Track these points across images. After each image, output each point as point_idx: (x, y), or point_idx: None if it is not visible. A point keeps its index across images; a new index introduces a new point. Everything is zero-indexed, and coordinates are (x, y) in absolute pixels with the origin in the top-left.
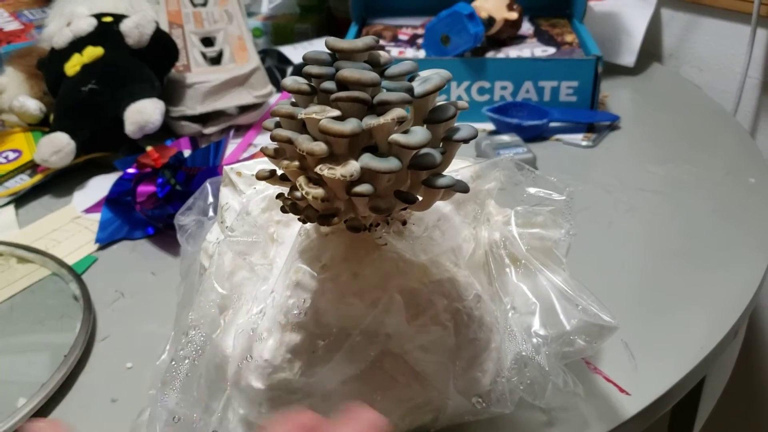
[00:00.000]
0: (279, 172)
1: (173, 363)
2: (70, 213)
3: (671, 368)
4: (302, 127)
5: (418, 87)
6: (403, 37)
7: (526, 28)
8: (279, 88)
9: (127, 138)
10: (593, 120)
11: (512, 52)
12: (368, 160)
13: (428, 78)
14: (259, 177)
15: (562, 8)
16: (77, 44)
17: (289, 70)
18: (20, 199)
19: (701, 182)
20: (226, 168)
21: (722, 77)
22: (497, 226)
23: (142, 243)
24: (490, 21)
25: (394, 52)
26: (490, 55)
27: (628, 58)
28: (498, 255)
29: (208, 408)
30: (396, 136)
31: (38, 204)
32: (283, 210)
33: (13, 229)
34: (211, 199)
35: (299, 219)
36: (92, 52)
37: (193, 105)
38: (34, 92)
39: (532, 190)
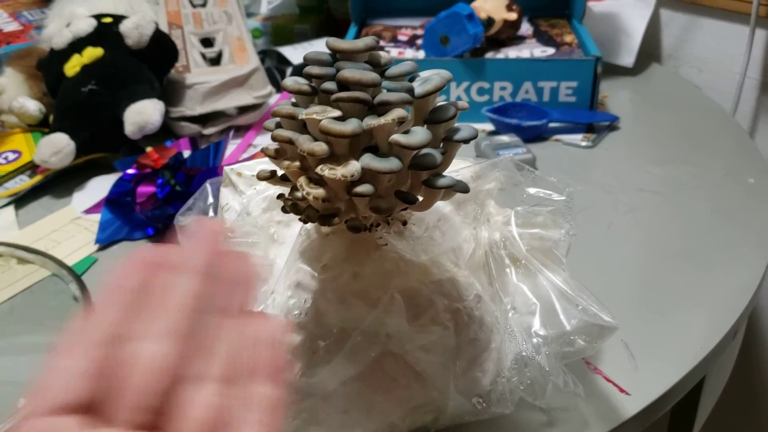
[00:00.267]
0: (279, 172)
1: None
2: (70, 214)
3: (671, 368)
4: (303, 127)
5: (419, 87)
6: (402, 37)
7: (526, 28)
8: (278, 88)
9: (126, 139)
10: (592, 120)
11: (511, 52)
12: (369, 160)
13: (428, 78)
14: (260, 177)
15: (561, 9)
16: (77, 45)
17: (289, 70)
18: (20, 200)
19: (700, 182)
20: (226, 168)
21: (721, 77)
22: (497, 227)
23: (142, 244)
24: (489, 21)
25: (394, 52)
26: (489, 55)
27: (628, 59)
28: (498, 255)
29: None
30: (396, 137)
31: (38, 205)
32: (284, 210)
33: (13, 229)
34: (211, 200)
35: (300, 219)
36: (92, 53)
37: (192, 106)
38: (34, 93)
39: (531, 190)
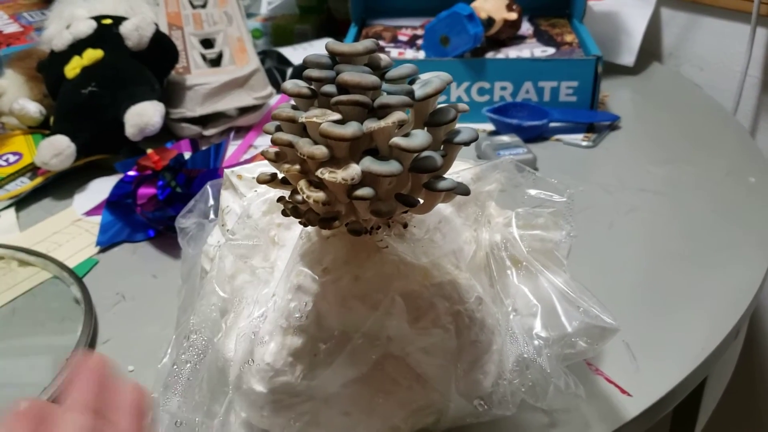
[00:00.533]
0: (280, 175)
1: (175, 367)
2: (71, 216)
3: (673, 369)
4: (303, 130)
5: (419, 90)
6: (402, 38)
7: (526, 28)
8: (279, 89)
9: (127, 140)
10: (593, 120)
11: (512, 52)
12: (369, 163)
13: (428, 81)
14: (260, 181)
15: (561, 8)
16: (77, 47)
17: (289, 71)
18: (21, 202)
19: (702, 182)
20: (226, 171)
21: (722, 76)
22: (498, 228)
23: (142, 245)
24: (489, 21)
25: (394, 52)
26: (489, 55)
27: (628, 58)
28: (499, 257)
29: (210, 411)
30: (397, 140)
31: (39, 207)
32: (284, 213)
33: (14, 232)
34: (211, 202)
35: (300, 222)
36: (92, 55)
37: (193, 107)
38: (34, 95)
39: (532, 191)
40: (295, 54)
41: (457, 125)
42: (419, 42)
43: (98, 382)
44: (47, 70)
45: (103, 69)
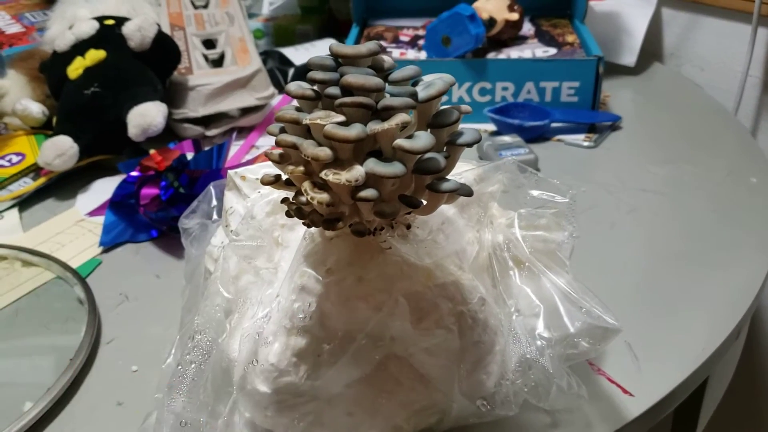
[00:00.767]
0: (284, 176)
1: (179, 367)
2: (74, 216)
3: (674, 369)
4: (307, 132)
5: (422, 92)
6: (404, 38)
7: (527, 28)
8: (281, 89)
9: (130, 141)
10: (595, 120)
11: (513, 52)
12: (373, 165)
13: (431, 83)
14: (264, 182)
15: (563, 8)
16: (79, 47)
17: (291, 71)
18: (24, 203)
19: (703, 182)
20: (230, 172)
21: (723, 76)
22: (501, 229)
23: (146, 246)
24: (491, 22)
25: (396, 53)
26: (491, 56)
27: (629, 58)
28: (502, 258)
29: (214, 412)
30: (400, 141)
31: (42, 207)
32: (288, 214)
33: (17, 232)
34: (214, 202)
35: (304, 223)
36: (94, 55)
37: (195, 107)
38: (37, 95)
39: (535, 192)
40: (297, 54)
41: (460, 126)
42: (421, 42)
43: None
44: (50, 70)
45: (106, 69)
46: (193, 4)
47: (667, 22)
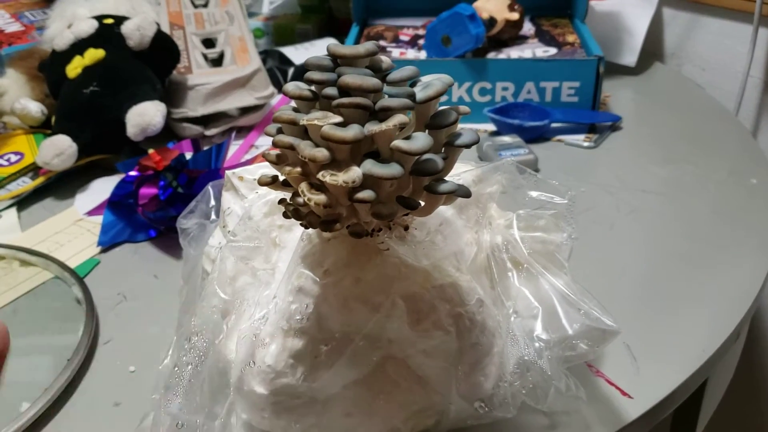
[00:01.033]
0: (281, 177)
1: (176, 369)
2: (72, 216)
3: (673, 371)
4: (304, 133)
5: (420, 92)
6: (404, 37)
7: (528, 28)
8: (280, 89)
9: (128, 140)
10: (595, 120)
11: (513, 52)
12: (370, 166)
13: (430, 83)
14: (261, 183)
15: (563, 8)
16: (78, 46)
17: (291, 71)
18: (22, 202)
19: (703, 183)
20: (228, 173)
21: (724, 76)
22: (499, 230)
23: (144, 246)
24: (491, 21)
25: (395, 52)
26: (491, 55)
27: (630, 58)
28: (500, 259)
29: (211, 413)
30: (398, 142)
31: (40, 207)
32: (285, 215)
33: (16, 232)
34: (213, 203)
35: (301, 225)
36: (93, 54)
37: (194, 107)
38: (36, 94)
39: (534, 193)
40: (297, 54)
41: (458, 127)
42: (421, 42)
43: None
44: (49, 69)
45: (105, 69)
46: (192, 3)
47: (667, 22)
